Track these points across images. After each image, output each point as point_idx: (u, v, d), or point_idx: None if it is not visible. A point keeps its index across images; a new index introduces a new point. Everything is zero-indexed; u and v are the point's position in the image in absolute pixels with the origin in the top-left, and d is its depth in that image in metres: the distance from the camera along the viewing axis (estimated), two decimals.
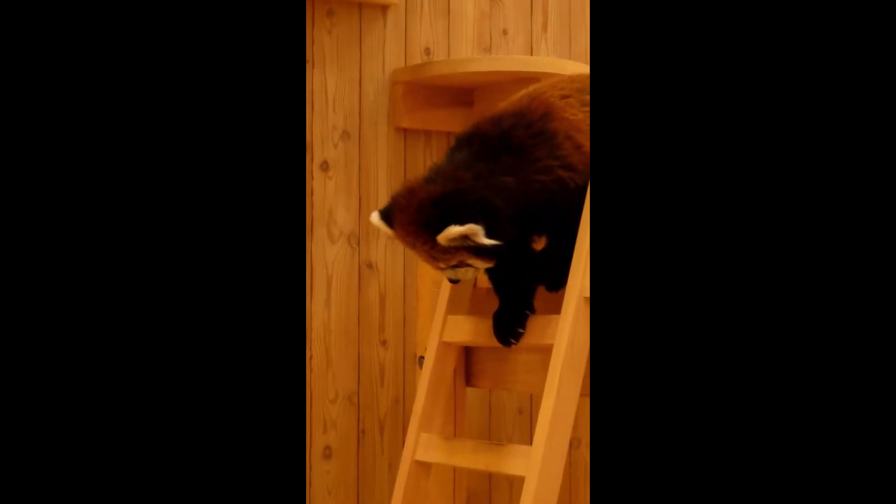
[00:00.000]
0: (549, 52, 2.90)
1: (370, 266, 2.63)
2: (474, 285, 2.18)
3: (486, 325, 2.03)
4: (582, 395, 1.91)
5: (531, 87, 2.08)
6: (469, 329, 2.09)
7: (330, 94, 2.59)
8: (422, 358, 2.28)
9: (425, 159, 2.71)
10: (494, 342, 2.01)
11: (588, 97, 2.01)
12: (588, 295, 1.89)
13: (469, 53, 2.78)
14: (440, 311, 2.15)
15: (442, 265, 1.91)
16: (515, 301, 2.01)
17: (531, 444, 1.89)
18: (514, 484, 2.81)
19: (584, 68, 2.53)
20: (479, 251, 1.86)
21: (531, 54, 2.87)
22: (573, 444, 2.89)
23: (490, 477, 2.78)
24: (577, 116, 1.98)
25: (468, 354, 2.21)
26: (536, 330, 1.97)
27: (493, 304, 2.03)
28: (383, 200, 2.62)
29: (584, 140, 1.96)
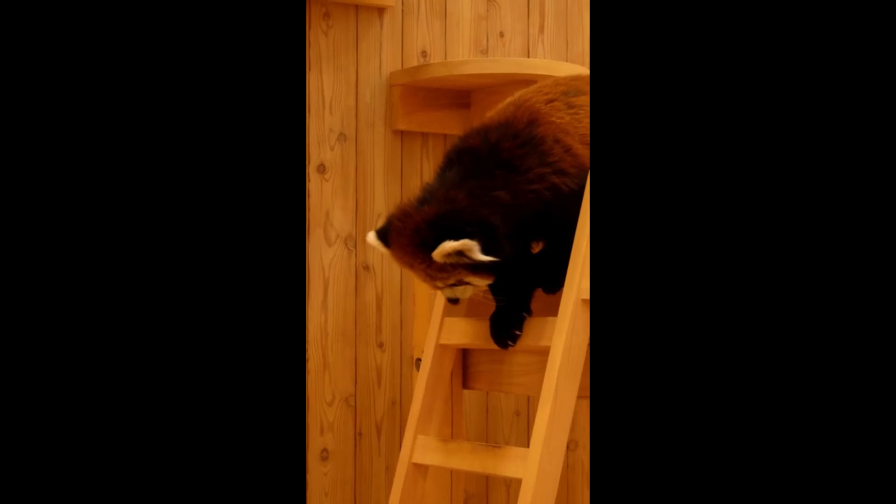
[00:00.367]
0: (546, 54, 2.90)
1: (367, 268, 2.63)
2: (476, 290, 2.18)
3: (483, 328, 2.03)
4: (579, 397, 1.91)
5: (516, 95, 2.07)
6: (466, 331, 2.09)
7: (326, 97, 2.59)
8: (419, 360, 2.28)
9: (422, 162, 2.71)
10: (491, 344, 2.01)
11: (574, 99, 2.01)
12: (585, 297, 1.89)
13: (466, 56, 2.78)
14: (437, 313, 2.15)
15: (440, 284, 1.90)
16: (512, 303, 2.00)
17: (528, 446, 1.89)
18: (512, 486, 2.81)
19: (580, 70, 2.53)
20: (476, 268, 1.86)
21: (528, 56, 2.87)
22: (570, 446, 2.89)
23: (487, 479, 2.78)
24: (564, 119, 1.97)
25: (465, 357, 2.21)
26: (533, 332, 1.97)
27: (490, 306, 2.03)
28: (380, 203, 2.62)
29: (573, 142, 1.96)
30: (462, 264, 1.84)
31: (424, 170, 2.69)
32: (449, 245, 1.80)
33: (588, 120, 1.99)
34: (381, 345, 2.65)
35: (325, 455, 2.57)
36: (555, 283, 1.97)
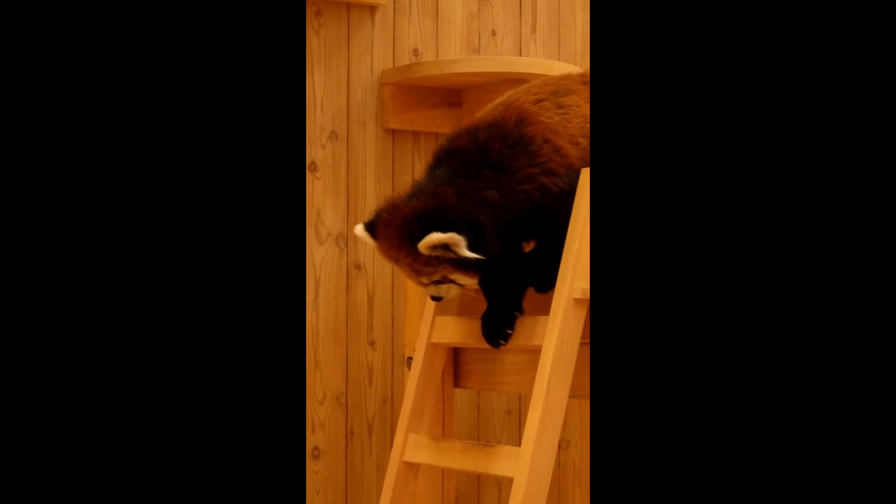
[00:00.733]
0: (538, 52, 2.90)
1: (358, 267, 2.63)
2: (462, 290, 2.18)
3: (475, 326, 2.03)
4: (571, 396, 1.91)
5: (505, 95, 2.07)
6: (457, 330, 2.09)
7: (318, 95, 2.59)
8: (410, 359, 2.28)
9: (413, 160, 2.70)
10: (483, 343, 2.01)
11: (564, 99, 2.01)
12: (577, 296, 1.89)
13: (457, 54, 2.78)
14: (428, 311, 2.15)
15: (425, 280, 1.90)
16: (504, 302, 2.00)
17: (520, 445, 1.89)
18: (503, 485, 2.82)
19: (572, 69, 2.53)
20: (462, 265, 1.86)
21: (520, 55, 2.87)
22: (562, 445, 2.89)
23: (479, 478, 2.78)
24: (553, 119, 1.97)
25: (457, 355, 2.21)
26: (525, 331, 1.97)
27: (482, 305, 2.03)
28: (371, 201, 2.62)
29: (563, 142, 1.95)
30: (448, 259, 1.84)
31: (416, 168, 2.69)
32: (436, 236, 1.80)
33: (577, 120, 1.99)
34: (372, 343, 2.64)
35: (316, 453, 2.56)
36: (546, 283, 1.97)
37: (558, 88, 2.03)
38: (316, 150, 2.58)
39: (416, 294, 2.40)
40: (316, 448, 2.56)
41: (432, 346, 2.14)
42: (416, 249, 1.84)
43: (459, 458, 2.01)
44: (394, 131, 2.69)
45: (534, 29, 2.90)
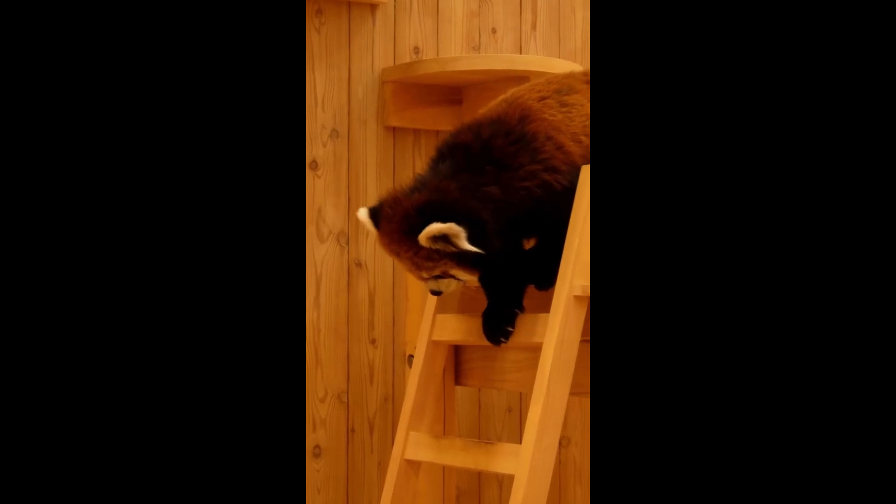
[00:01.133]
0: (539, 50, 2.90)
1: (359, 265, 2.63)
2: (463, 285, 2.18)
3: (476, 324, 2.03)
4: (571, 393, 1.91)
5: (508, 92, 2.07)
6: (458, 328, 2.09)
7: (319, 93, 2.59)
8: (411, 357, 2.28)
9: (414, 158, 2.71)
10: (484, 341, 2.01)
11: (567, 97, 2.01)
12: (578, 293, 1.89)
13: (458, 52, 2.78)
14: (429, 309, 2.15)
15: (425, 275, 1.91)
16: (505, 299, 2.00)
17: (521, 442, 1.90)
18: (504, 482, 2.82)
19: (573, 67, 2.53)
20: (462, 260, 1.86)
21: (520, 53, 2.87)
22: (562, 442, 2.89)
23: (479, 475, 2.78)
24: (556, 117, 1.97)
25: (457, 353, 2.21)
26: (526, 328, 1.97)
27: (483, 302, 2.03)
28: (372, 200, 2.61)
29: (566, 140, 1.96)
30: (448, 254, 1.85)
31: (417, 166, 2.69)
32: (436, 226, 1.81)
33: (580, 118, 2.00)
34: (373, 341, 2.65)
35: (317, 451, 2.57)
36: (547, 280, 1.97)
37: (562, 87, 2.03)
38: (317, 148, 2.58)
39: (416, 292, 2.40)
40: (317, 446, 2.56)
41: (433, 344, 2.14)
42: (416, 244, 1.85)
43: (460, 456, 2.01)
44: (395, 129, 2.69)
45: (534, 26, 2.90)
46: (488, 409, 2.82)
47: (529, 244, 2.05)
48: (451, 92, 2.71)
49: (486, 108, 2.05)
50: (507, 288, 2.01)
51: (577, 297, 1.89)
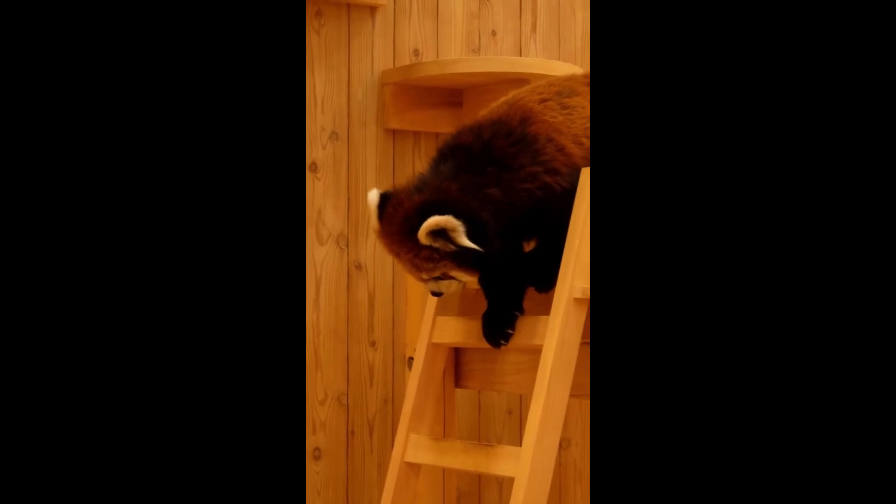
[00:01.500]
0: (538, 52, 2.90)
1: (359, 267, 2.63)
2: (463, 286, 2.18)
3: (476, 326, 2.03)
4: (571, 395, 1.91)
5: (510, 94, 2.08)
6: (458, 330, 2.09)
7: (318, 95, 2.59)
8: (411, 359, 2.28)
9: (414, 160, 2.71)
10: (484, 343, 2.01)
11: (568, 100, 2.01)
12: (578, 296, 1.89)
13: (458, 54, 2.78)
14: (429, 311, 2.15)
15: (425, 276, 1.91)
16: (505, 302, 2.00)
17: (521, 444, 1.89)
18: (504, 485, 2.82)
19: (573, 69, 2.53)
20: (462, 261, 1.86)
21: (520, 55, 2.87)
22: (562, 444, 2.89)
23: (479, 478, 2.78)
24: (557, 119, 1.98)
25: (457, 355, 2.21)
26: (526, 331, 1.97)
27: (483, 304, 2.03)
28: None
29: (567, 142, 1.96)
30: (448, 254, 1.85)
31: (416, 168, 2.69)
32: (434, 220, 1.81)
33: (581, 121, 2.00)
34: (373, 343, 2.65)
35: (317, 454, 2.56)
36: (547, 282, 1.97)
37: (563, 89, 2.04)
38: (316, 150, 2.58)
39: (416, 294, 2.40)
40: (317, 448, 2.56)
41: (433, 346, 2.14)
42: (416, 245, 1.85)
43: (460, 458, 2.01)
44: (394, 131, 2.69)
45: (534, 28, 2.90)
46: (488, 411, 2.82)
47: (530, 246, 2.05)
48: (451, 94, 2.71)
49: (488, 109, 2.05)
50: (507, 290, 2.01)
51: (577, 300, 1.89)
